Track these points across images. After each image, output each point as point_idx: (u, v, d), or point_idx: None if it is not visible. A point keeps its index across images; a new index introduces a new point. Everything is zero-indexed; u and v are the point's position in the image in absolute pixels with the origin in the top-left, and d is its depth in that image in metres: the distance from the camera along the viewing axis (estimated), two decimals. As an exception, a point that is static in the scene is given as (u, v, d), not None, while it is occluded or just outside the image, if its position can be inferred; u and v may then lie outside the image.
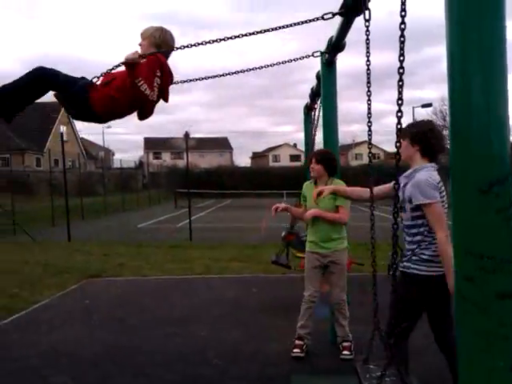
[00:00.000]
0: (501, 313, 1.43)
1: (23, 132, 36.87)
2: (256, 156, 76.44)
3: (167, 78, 2.94)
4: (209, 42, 3.04)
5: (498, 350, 1.44)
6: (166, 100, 3.01)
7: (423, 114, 47.00)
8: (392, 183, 3.15)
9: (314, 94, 6.32)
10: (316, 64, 4.95)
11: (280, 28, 3.09)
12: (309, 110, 7.58)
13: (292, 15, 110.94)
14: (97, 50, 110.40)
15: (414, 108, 33.42)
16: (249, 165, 66.13)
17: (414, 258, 2.92)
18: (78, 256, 9.85)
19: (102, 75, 2.84)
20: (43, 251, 10.64)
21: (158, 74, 2.81)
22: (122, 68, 2.76)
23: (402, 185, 2.95)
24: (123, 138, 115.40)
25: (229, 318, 5.45)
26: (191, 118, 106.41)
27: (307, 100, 7.36)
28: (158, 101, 2.94)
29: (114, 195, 25.52)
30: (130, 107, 2.95)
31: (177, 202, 25.78)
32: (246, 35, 3.09)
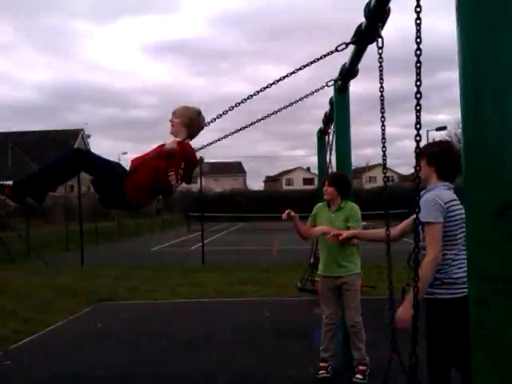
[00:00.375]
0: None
1: (39, 156, 37.53)
2: (269, 180, 76.62)
3: (191, 166, 3.01)
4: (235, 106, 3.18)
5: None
6: (189, 182, 3.10)
7: (438, 138, 46.82)
8: (409, 219, 3.15)
9: (327, 119, 6.37)
10: (329, 89, 5.01)
11: (299, 70, 3.17)
12: (322, 134, 7.62)
13: (304, 43, 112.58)
14: (111, 79, 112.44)
15: (428, 131, 33.34)
16: (262, 188, 66.24)
17: (436, 282, 2.85)
18: (91, 279, 9.87)
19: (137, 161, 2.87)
20: (56, 275, 10.68)
21: (182, 166, 2.87)
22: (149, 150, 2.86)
23: None
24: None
25: (241, 342, 5.39)
26: (204, 144, 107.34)
27: (320, 124, 7.41)
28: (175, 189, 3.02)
29: (128, 220, 25.67)
30: (154, 194, 3.02)
31: (190, 226, 25.83)
32: (274, 83, 3.20)
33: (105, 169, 2.81)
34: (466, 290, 2.71)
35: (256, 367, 4.58)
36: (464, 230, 2.84)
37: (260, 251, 15.34)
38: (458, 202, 2.84)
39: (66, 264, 12.51)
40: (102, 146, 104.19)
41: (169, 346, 5.27)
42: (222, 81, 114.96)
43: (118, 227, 21.87)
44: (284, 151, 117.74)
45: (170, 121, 3.05)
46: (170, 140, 2.86)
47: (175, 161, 2.78)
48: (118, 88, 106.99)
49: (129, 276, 10.19)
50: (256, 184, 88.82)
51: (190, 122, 2.99)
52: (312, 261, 6.43)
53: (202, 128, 3.07)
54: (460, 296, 2.73)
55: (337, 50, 3.15)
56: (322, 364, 4.24)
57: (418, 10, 1.90)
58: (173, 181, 2.79)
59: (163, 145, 2.86)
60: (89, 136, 48.34)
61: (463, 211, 2.87)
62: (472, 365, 1.51)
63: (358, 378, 4.09)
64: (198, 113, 3.07)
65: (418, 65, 1.95)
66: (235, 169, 71.07)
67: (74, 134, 44.58)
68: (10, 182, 2.78)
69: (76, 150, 2.89)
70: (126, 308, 7.32)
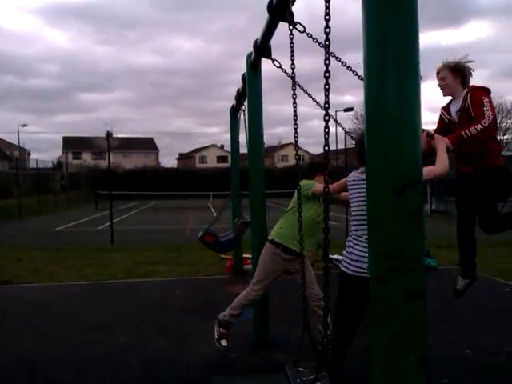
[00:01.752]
0: (412, 311, 1.48)
1: None
2: (183, 157, 75.64)
3: None
4: None
5: (409, 347, 1.49)
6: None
7: (345, 118, 48.72)
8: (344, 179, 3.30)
9: (240, 96, 6.33)
10: (242, 66, 4.97)
11: None
12: (235, 111, 7.58)
13: (217, 16, 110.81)
14: (6, 44, 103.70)
15: (336, 112, 34.49)
16: (175, 166, 65.28)
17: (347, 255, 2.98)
18: (-12, 261, 9.19)
19: None
20: None
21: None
22: None
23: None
24: (40, 137, 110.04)
25: (151, 322, 5.30)
26: (113, 118, 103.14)
27: (233, 102, 7.36)
28: None
29: (30, 197, 24.15)
30: None
31: (98, 204, 24.88)
32: None
33: None
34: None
35: (166, 347, 4.52)
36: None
37: (172, 230, 15.15)
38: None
39: (-42, 245, 11.53)
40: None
41: (74, 330, 5.05)
42: (130, 51, 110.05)
43: (19, 205, 20.49)
44: (197, 128, 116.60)
45: (440, 85, 3.44)
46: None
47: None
48: (15, 54, 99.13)
49: (31, 257, 9.60)
50: (169, 161, 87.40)
51: (461, 71, 3.36)
52: (201, 234, 6.45)
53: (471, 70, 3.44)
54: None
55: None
56: (223, 330, 4.15)
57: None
58: None
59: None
60: (-18, 106, 44.60)
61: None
62: (370, 340, 1.57)
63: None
64: (459, 61, 3.41)
65: (328, 43, 1.95)
66: (147, 145, 69.21)
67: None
68: None
69: None
70: (28, 291, 6.91)
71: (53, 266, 8.63)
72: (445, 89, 3.47)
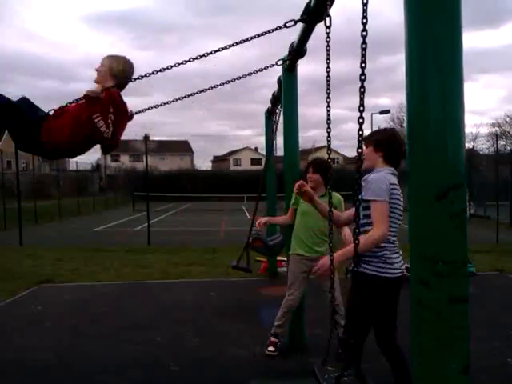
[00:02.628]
0: (454, 316, 1.46)
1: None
2: (217, 160, 76.19)
3: (122, 116, 2.90)
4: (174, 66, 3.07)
5: (450, 352, 1.46)
6: (116, 142, 2.94)
7: (381, 120, 48.18)
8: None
9: (276, 99, 6.36)
10: (277, 69, 4.98)
11: (246, 41, 3.10)
12: (270, 114, 7.61)
13: (252, 19, 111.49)
14: (50, 50, 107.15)
15: (372, 114, 34.14)
16: (210, 168, 65.83)
17: (368, 259, 2.95)
18: (30, 261, 9.50)
19: (60, 109, 2.78)
20: (-7, 255, 10.21)
21: (112, 111, 2.76)
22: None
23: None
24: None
25: (186, 322, 5.37)
26: (151, 121, 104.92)
27: (268, 104, 7.39)
28: (112, 139, 2.87)
29: (70, 198, 24.84)
30: (81, 143, 2.89)
31: (135, 206, 25.34)
32: (218, 50, 3.13)
33: (22, 115, 2.77)
34: (396, 271, 2.87)
35: (201, 347, 4.57)
36: (398, 215, 2.97)
37: (207, 232, 15.30)
38: (399, 187, 2.96)
39: (3, 244, 11.97)
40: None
41: (113, 328, 5.17)
42: (168, 55, 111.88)
43: (59, 206, 21.10)
44: (232, 131, 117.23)
45: (96, 69, 2.95)
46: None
47: (100, 106, 2.69)
48: (57, 60, 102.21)
49: (71, 257, 9.88)
50: (204, 164, 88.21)
51: (117, 70, 2.91)
52: (252, 239, 6.44)
53: (130, 78, 2.97)
54: (394, 277, 2.86)
55: (285, 26, 3.11)
56: (273, 339, 4.30)
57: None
58: (102, 126, 2.68)
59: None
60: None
61: (401, 197, 2.98)
62: (411, 343, 1.55)
63: None
64: (125, 61, 2.98)
65: (364, 46, 1.94)
66: (182, 148, 70.06)
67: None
68: None
69: None
70: (68, 290, 7.10)
71: (91, 266, 8.85)
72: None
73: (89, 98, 2.66)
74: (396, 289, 2.93)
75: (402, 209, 2.98)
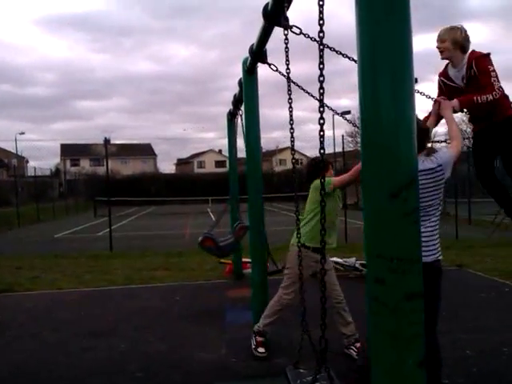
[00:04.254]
0: (410, 312, 1.49)
1: None
2: (181, 162, 75.63)
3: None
4: None
5: (407, 347, 1.50)
6: None
7: (342, 121, 48.86)
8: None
9: (237, 101, 6.36)
10: (237, 72, 5.00)
11: None
12: (232, 116, 7.60)
13: (212, 23, 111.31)
14: (2, 54, 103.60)
15: (333, 115, 34.60)
16: (173, 171, 65.26)
17: None
18: (-12, 270, 9.18)
19: None
20: None
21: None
22: None
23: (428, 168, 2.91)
24: (37, 145, 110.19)
25: (151, 328, 5.30)
26: (111, 124, 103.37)
27: (230, 107, 7.38)
28: None
29: (28, 205, 24.13)
30: None
31: (96, 211, 24.84)
32: None
33: None
34: (430, 255, 2.79)
35: (167, 353, 4.52)
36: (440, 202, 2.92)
37: (172, 235, 15.15)
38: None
39: (-43, 254, 11.50)
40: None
41: (74, 337, 5.04)
42: (127, 58, 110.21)
43: (18, 213, 20.47)
44: (195, 133, 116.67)
45: (440, 47, 3.34)
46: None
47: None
48: (11, 63, 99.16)
49: (30, 265, 9.59)
50: (167, 167, 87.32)
51: (461, 37, 3.30)
52: (200, 239, 6.40)
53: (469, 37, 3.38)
54: (427, 261, 2.74)
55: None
56: (260, 339, 4.19)
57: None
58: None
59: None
60: (-20, 115, 44.67)
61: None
62: (369, 339, 1.57)
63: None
64: (461, 26, 3.35)
65: (322, 47, 1.97)
66: (145, 151, 69.17)
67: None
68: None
69: None
70: (28, 299, 6.89)
71: (52, 274, 8.61)
72: (444, 52, 3.44)
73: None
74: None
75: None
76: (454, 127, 3.12)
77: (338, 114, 4.39)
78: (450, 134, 3.13)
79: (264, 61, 4.10)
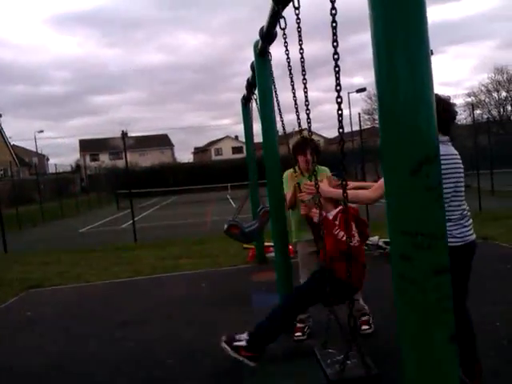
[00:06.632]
0: (437, 287, 1.47)
1: None
2: (198, 151, 75.85)
3: None
4: None
5: (437, 323, 1.48)
6: None
7: (358, 99, 48.26)
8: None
9: (250, 85, 6.31)
10: (248, 57, 4.96)
11: None
12: (246, 101, 7.57)
13: (219, 11, 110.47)
14: (16, 55, 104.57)
15: (349, 93, 34.22)
16: (191, 160, 65.52)
17: None
18: (17, 267, 9.38)
19: None
20: (-22, 265, 10.07)
21: None
22: None
23: None
24: (57, 142, 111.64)
25: (179, 315, 5.37)
26: (127, 117, 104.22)
27: (244, 92, 7.35)
28: None
29: (52, 201, 24.53)
30: None
31: (119, 204, 25.14)
32: None
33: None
34: (457, 242, 2.77)
35: (196, 339, 4.58)
36: (455, 186, 2.85)
37: (193, 224, 15.27)
38: (450, 157, 2.87)
39: (-13, 253, 11.79)
40: (15, 126, 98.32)
41: (105, 328, 5.14)
42: (138, 51, 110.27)
43: (42, 210, 20.84)
44: (210, 121, 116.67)
45: None
46: None
47: None
48: (26, 63, 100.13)
49: (57, 260, 9.79)
50: (185, 156, 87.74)
51: None
52: (226, 227, 6.48)
53: None
54: (452, 246, 2.67)
55: None
56: (298, 325, 4.25)
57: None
58: None
59: None
60: (-1, 115, 45.37)
61: (456, 167, 2.87)
62: (398, 317, 1.56)
63: (364, 330, 4.13)
64: None
65: (334, 24, 1.93)
66: (162, 142, 69.52)
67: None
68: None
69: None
70: (56, 293, 7.05)
71: (79, 267, 8.78)
72: None
73: None
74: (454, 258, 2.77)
75: (459, 179, 2.89)
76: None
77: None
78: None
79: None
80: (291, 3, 2.87)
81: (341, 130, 2.08)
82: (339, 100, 1.98)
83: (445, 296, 1.48)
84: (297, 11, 2.80)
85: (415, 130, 1.44)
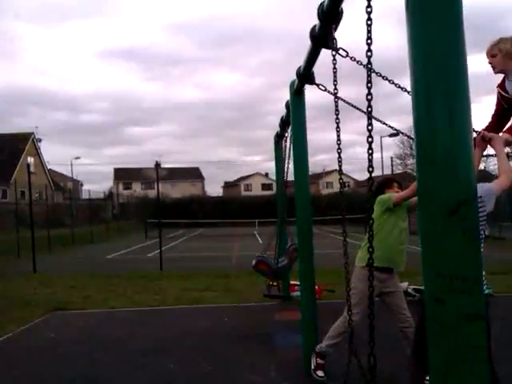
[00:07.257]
0: (471, 334, 1.43)
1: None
2: (228, 185, 76.54)
3: None
4: None
5: (469, 372, 1.43)
6: None
7: (391, 144, 48.19)
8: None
9: (284, 123, 6.42)
10: (283, 97, 5.07)
11: None
12: (279, 138, 7.66)
13: (257, 50, 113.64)
14: (61, 83, 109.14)
15: (381, 137, 34.22)
16: (221, 194, 66.06)
17: None
18: (44, 288, 9.53)
19: None
20: (7, 283, 10.27)
21: None
22: None
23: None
24: (92, 169, 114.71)
25: (200, 348, 5.32)
26: (161, 149, 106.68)
27: (276, 130, 7.46)
28: None
29: (83, 226, 25.00)
30: None
31: (147, 233, 25.40)
32: None
33: None
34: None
35: (215, 374, 4.52)
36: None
37: (219, 257, 15.26)
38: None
39: (17, 272, 12.03)
40: (53, 151, 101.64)
41: (125, 355, 5.13)
42: (175, 87, 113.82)
43: (72, 234, 21.25)
44: (242, 157, 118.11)
45: (491, 62, 3.16)
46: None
47: None
48: (69, 93, 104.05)
49: (84, 284, 9.90)
50: (214, 190, 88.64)
51: None
52: (254, 262, 6.46)
53: None
54: None
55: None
56: (321, 361, 4.07)
57: (369, 10, 1.92)
58: None
59: None
60: (40, 140, 47.09)
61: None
62: (429, 361, 1.52)
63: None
64: (511, 37, 3.15)
65: (370, 66, 1.97)
66: (193, 174, 70.60)
67: (24, 138, 43.20)
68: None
69: None
70: (81, 317, 7.10)
71: (104, 293, 8.84)
72: (496, 66, 3.24)
73: None
74: None
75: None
76: (504, 163, 2.93)
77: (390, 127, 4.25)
78: (499, 170, 2.97)
79: (312, 82, 4.13)
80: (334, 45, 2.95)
81: (370, 169, 2.07)
82: (370, 140, 2.00)
83: (478, 345, 1.43)
84: (333, 53, 2.87)
85: (454, 172, 1.43)
